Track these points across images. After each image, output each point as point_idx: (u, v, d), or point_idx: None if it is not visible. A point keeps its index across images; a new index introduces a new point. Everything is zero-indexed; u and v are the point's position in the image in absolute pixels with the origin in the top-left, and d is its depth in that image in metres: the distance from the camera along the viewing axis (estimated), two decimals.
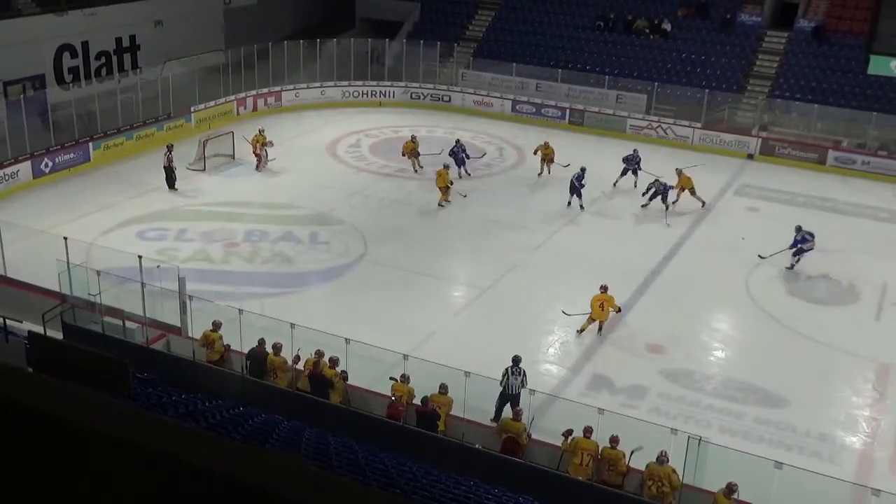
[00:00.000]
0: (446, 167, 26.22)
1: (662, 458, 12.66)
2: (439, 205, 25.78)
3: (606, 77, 36.25)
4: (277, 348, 15.23)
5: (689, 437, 12.42)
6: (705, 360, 18.22)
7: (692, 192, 26.16)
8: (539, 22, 39.94)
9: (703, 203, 26.38)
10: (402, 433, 13.73)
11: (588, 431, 13.33)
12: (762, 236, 24.10)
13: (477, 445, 13.51)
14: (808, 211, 27.28)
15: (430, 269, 21.77)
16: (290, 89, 36.28)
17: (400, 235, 23.55)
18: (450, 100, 37.87)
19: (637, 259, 22.46)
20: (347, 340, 14.95)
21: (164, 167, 26.16)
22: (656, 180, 26.03)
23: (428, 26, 41.07)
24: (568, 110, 35.94)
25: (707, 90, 34.61)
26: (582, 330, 18.50)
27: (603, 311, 18.26)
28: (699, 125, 33.99)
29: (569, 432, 13.37)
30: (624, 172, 27.81)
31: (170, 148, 26.41)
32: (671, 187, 25.75)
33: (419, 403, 14.15)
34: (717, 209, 26.82)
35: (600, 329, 18.59)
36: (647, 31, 38.33)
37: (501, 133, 34.16)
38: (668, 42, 37.87)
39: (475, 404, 14.60)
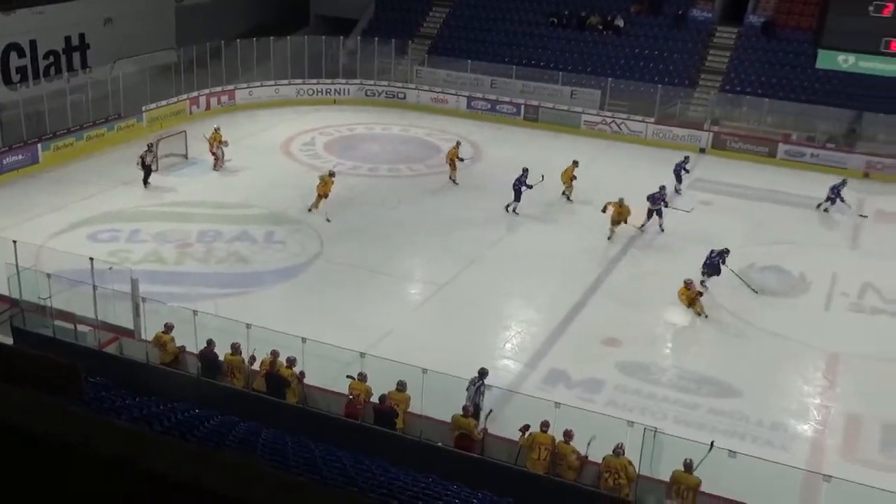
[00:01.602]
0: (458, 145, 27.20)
1: (619, 451, 12.79)
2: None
3: (561, 73, 36.48)
4: (236, 348, 15.11)
5: (644, 428, 12.55)
6: (660, 353, 18.43)
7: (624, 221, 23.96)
8: (493, 19, 40.03)
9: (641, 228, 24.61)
10: (359, 431, 13.71)
11: (545, 426, 13.42)
12: (716, 229, 24.41)
13: (439, 443, 13.52)
14: (759, 203, 27.72)
15: (387, 267, 21.75)
16: (244, 88, 35.99)
17: (356, 233, 23.49)
18: (405, 97, 37.83)
19: (593, 253, 22.64)
20: (304, 340, 14.89)
21: (143, 164, 25.87)
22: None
23: (382, 23, 40.96)
24: (523, 106, 36.10)
25: (660, 85, 34.98)
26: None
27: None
28: (652, 120, 34.34)
29: (526, 427, 13.44)
30: (650, 214, 24.57)
31: (150, 146, 26.26)
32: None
33: (377, 401, 14.13)
34: (671, 203, 27.05)
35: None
36: (601, 27, 38.60)
37: (457, 130, 34.15)
38: (621, 38, 38.17)
39: (433, 401, 14.61)
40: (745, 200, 27.88)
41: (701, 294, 19.88)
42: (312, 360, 15.02)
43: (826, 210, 26.99)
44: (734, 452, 12.87)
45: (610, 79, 35.73)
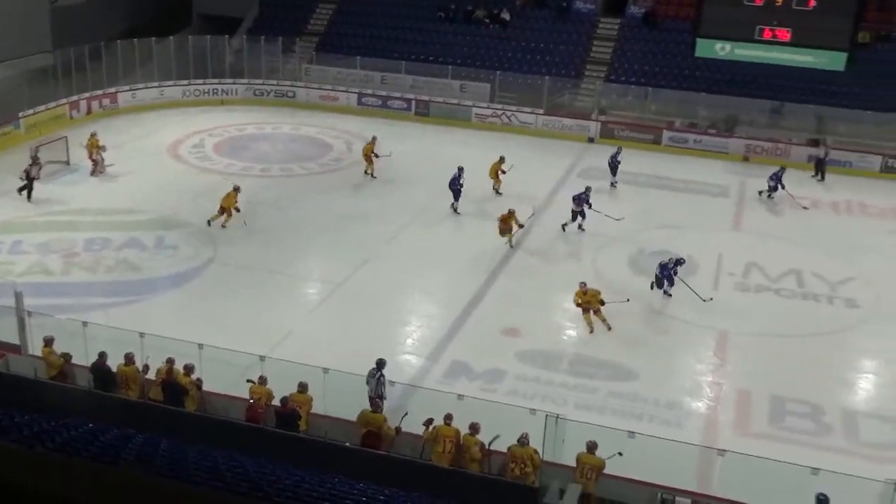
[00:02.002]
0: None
1: (524, 440, 12.94)
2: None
3: (450, 67, 36.70)
4: (129, 358, 14.68)
5: (546, 415, 12.74)
6: (558, 340, 18.74)
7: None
8: (381, 14, 39.93)
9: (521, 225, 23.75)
10: (262, 436, 13.51)
11: (448, 418, 13.48)
12: (607, 218, 24.97)
13: (346, 443, 13.44)
14: (646, 189, 28.49)
15: (284, 268, 21.50)
16: (127, 90, 34.95)
17: (250, 235, 23.11)
18: (294, 95, 37.43)
19: (489, 247, 22.83)
20: (200, 346, 14.61)
21: (28, 177, 24.67)
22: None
23: (268, 21, 40.39)
24: (414, 101, 36.17)
25: (547, 77, 35.57)
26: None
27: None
28: (541, 111, 34.89)
29: (429, 421, 13.49)
30: (574, 216, 24.37)
31: (35, 159, 25.10)
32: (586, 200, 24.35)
33: (279, 404, 13.96)
34: (562, 192, 27.56)
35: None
36: (487, 20, 38.97)
37: (348, 127, 34.04)
38: (508, 31, 38.63)
39: (336, 400, 14.53)
40: (633, 187, 28.58)
41: (592, 307, 18.86)
42: (211, 366, 14.74)
43: (770, 197, 27.89)
44: (633, 433, 13.21)
45: (498, 72, 36.18)
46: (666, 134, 33.57)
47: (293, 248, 22.66)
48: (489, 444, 13.19)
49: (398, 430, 13.90)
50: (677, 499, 12.55)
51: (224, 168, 28.67)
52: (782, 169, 28.15)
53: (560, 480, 12.88)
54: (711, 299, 19.96)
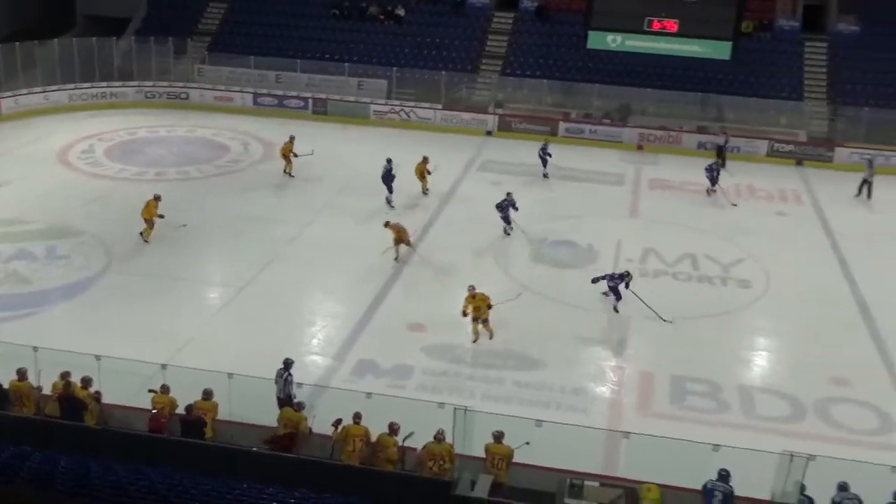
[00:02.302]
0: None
1: (440, 437, 12.96)
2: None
3: (346, 65, 36.54)
4: (22, 374, 14.15)
5: (454, 408, 12.80)
6: (464, 333, 18.77)
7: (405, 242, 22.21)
8: (274, 13, 39.41)
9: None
10: (168, 446, 13.22)
11: (357, 417, 13.43)
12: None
13: (254, 448, 13.25)
14: (546, 180, 28.87)
15: (183, 273, 21.05)
16: (9, 96, 33.61)
17: (148, 241, 22.53)
18: (188, 97, 36.66)
19: (391, 242, 22.78)
20: (98, 357, 14.19)
21: None
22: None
23: (157, 22, 39.38)
24: (311, 100, 35.86)
25: (444, 72, 35.73)
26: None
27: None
28: (440, 106, 35.05)
29: (338, 421, 13.42)
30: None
31: None
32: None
33: (183, 412, 13.68)
34: (462, 185, 27.74)
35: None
36: (382, 17, 38.87)
37: (245, 128, 33.54)
38: (403, 27, 38.62)
39: (243, 405, 14.32)
40: (532, 178, 28.96)
41: (481, 317, 18.18)
42: (110, 378, 14.33)
43: (716, 191, 27.80)
44: (540, 421, 13.39)
45: (395, 68, 36.18)
46: (562, 125, 34.12)
47: (192, 253, 22.21)
48: (403, 441, 13.20)
49: (310, 430, 13.83)
50: (586, 483, 12.75)
51: (116, 174, 27.90)
52: (716, 162, 28.41)
53: (471, 472, 12.96)
54: (672, 321, 19.23)
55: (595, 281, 19.93)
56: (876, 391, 17.04)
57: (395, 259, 21.73)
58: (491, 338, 18.24)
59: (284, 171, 28.10)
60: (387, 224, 21.88)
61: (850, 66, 35.61)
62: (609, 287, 19.70)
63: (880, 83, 34.62)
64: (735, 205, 27.33)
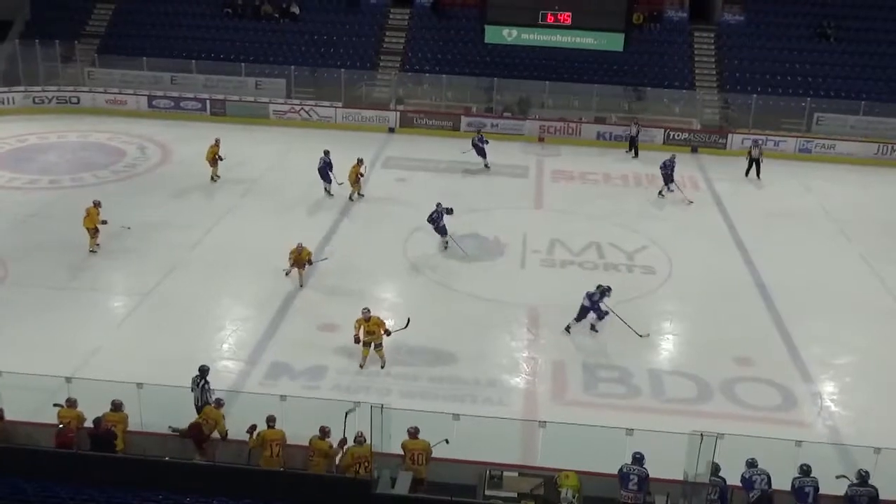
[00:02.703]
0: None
1: (361, 439, 12.78)
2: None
3: (243, 64, 36.00)
4: None
5: (371, 406, 12.76)
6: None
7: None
8: (164, 12, 38.51)
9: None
10: (77, 460, 12.83)
11: (271, 421, 13.26)
12: (413, 204, 25.31)
13: (167, 458, 12.96)
14: (451, 175, 29.05)
15: (83, 283, 20.40)
16: None
17: (43, 251, 21.75)
18: (79, 101, 35.52)
19: (301, 241, 22.55)
20: None
21: None
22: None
23: (42, 24, 37.93)
24: (208, 101, 35.20)
25: (343, 70, 35.51)
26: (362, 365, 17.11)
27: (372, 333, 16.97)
28: (340, 104, 34.84)
29: (253, 427, 13.24)
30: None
31: None
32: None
33: (91, 426, 13.28)
34: (367, 184, 27.61)
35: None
36: (276, 15, 38.38)
37: (141, 131, 32.69)
38: (299, 25, 38.22)
39: (154, 415, 13.99)
40: (437, 173, 29.10)
41: (375, 342, 17.02)
42: (11, 394, 13.82)
43: (671, 191, 27.53)
44: (458, 415, 13.47)
45: (293, 66, 35.78)
46: (464, 119, 34.33)
47: (93, 262, 21.50)
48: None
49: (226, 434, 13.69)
50: (504, 473, 12.92)
51: (7, 182, 26.84)
52: (673, 157, 28.09)
53: (390, 469, 12.98)
54: (648, 335, 18.68)
55: (578, 319, 18.70)
56: (777, 369, 17.69)
57: (287, 275, 20.71)
58: (383, 366, 17.07)
59: (212, 178, 27.40)
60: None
61: (737, 55, 36.85)
62: (592, 308, 18.57)
63: (767, 71, 35.91)
64: (691, 202, 27.26)
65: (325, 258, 21.37)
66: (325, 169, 26.08)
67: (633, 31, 34.38)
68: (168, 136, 31.94)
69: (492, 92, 35.38)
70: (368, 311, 17.13)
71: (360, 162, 26.53)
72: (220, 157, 27.45)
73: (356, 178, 26.26)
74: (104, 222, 21.81)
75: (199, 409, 14.31)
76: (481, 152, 29.51)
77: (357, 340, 17.01)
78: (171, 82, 35.97)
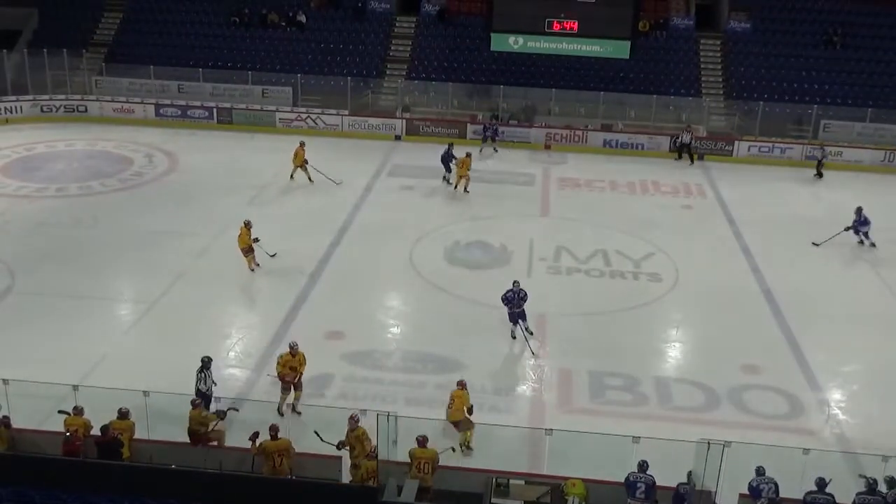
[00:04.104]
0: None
1: (373, 454, 12.87)
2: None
3: (250, 73, 36.11)
4: None
5: (378, 414, 12.75)
6: (383, 338, 18.79)
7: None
8: (171, 22, 38.68)
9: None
10: (83, 468, 12.85)
11: (274, 430, 13.22)
12: (420, 212, 25.37)
13: (173, 465, 12.96)
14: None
15: (92, 291, 20.42)
16: None
17: (51, 260, 21.82)
18: (86, 110, 35.67)
19: (305, 250, 22.63)
20: (5, 381, 13.66)
21: None
22: None
23: (50, 34, 38.12)
24: (215, 109, 35.30)
25: (349, 77, 35.59)
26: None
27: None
28: (346, 112, 34.92)
29: (255, 435, 13.21)
30: None
31: None
32: None
33: (98, 434, 13.30)
34: (374, 191, 27.69)
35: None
36: (283, 23, 38.51)
37: (148, 140, 32.80)
38: (305, 33, 38.33)
39: (161, 423, 14.00)
40: (443, 181, 29.06)
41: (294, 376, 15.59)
42: (19, 402, 13.82)
43: (870, 244, 24.33)
44: None
45: (300, 75, 35.87)
46: (470, 127, 34.34)
47: (99, 270, 21.58)
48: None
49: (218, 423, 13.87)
50: (511, 481, 12.87)
51: (14, 191, 26.93)
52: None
53: (397, 477, 12.95)
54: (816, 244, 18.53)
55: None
56: (784, 376, 17.62)
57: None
58: (296, 410, 15.64)
59: (310, 179, 27.90)
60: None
61: (743, 63, 36.83)
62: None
63: (773, 78, 35.89)
64: (816, 244, 24.25)
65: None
66: (447, 159, 28.09)
67: (639, 39, 34.41)
68: (175, 145, 32.04)
69: (497, 99, 35.41)
70: (296, 345, 15.78)
71: (468, 156, 27.99)
72: (307, 160, 27.88)
73: (466, 171, 27.69)
74: (256, 240, 21.27)
75: (200, 395, 14.69)
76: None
77: (278, 374, 15.60)
78: (179, 91, 36.09)
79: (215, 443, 13.88)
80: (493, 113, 32.38)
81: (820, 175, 31.15)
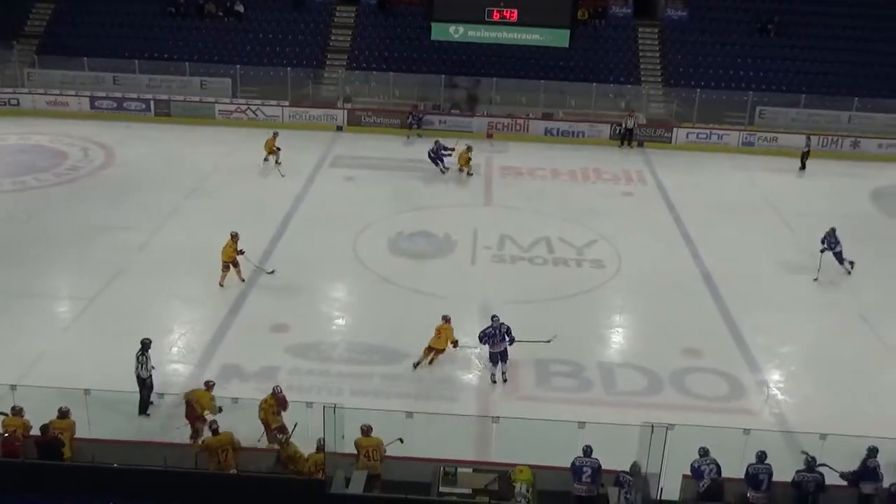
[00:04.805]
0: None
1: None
2: None
3: (187, 64, 35.56)
4: None
5: (324, 406, 12.69)
6: (328, 330, 18.71)
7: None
8: (106, 12, 37.78)
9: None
10: (23, 469, 12.59)
11: (214, 425, 13.07)
12: (363, 203, 25.31)
13: (115, 464, 12.76)
14: (398, 173, 29.02)
15: (28, 288, 19.95)
16: None
17: None
18: (18, 103, 34.81)
19: (247, 243, 22.22)
20: None
21: None
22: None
23: None
24: (152, 101, 34.72)
25: (289, 68, 35.24)
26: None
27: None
28: (287, 103, 34.61)
29: (196, 433, 13.08)
30: None
31: None
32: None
33: (38, 434, 13.02)
34: (316, 182, 27.50)
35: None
36: (221, 14, 37.97)
37: (83, 133, 32.12)
38: (244, 23, 37.85)
39: (102, 421, 13.78)
40: (385, 171, 29.06)
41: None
42: None
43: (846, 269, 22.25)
44: (410, 413, 13.48)
45: (239, 66, 35.44)
46: (412, 117, 34.24)
47: (35, 267, 21.10)
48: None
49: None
50: (459, 470, 12.93)
51: None
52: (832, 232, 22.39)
53: (344, 469, 12.93)
54: (555, 336, 17.62)
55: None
56: (724, 359, 17.96)
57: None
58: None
59: (276, 162, 28.55)
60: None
61: (680, 50, 37.32)
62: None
63: (710, 65, 36.43)
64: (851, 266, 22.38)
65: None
66: (438, 154, 28.56)
67: (578, 27, 34.65)
68: (111, 138, 31.44)
69: (439, 89, 35.37)
70: (212, 382, 14.68)
71: (469, 148, 28.83)
72: (276, 147, 28.37)
73: (467, 161, 28.51)
74: (241, 252, 20.12)
75: (139, 381, 14.89)
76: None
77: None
78: (114, 83, 35.41)
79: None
80: (415, 103, 32.75)
81: (804, 167, 31.43)
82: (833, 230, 22.12)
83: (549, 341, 17.44)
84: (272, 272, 20.76)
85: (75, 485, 12.27)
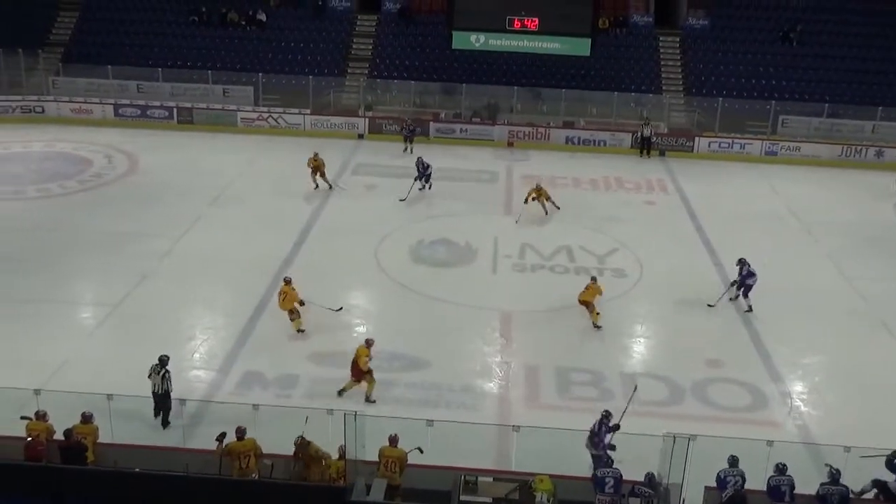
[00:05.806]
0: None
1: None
2: None
3: (210, 72, 35.80)
4: None
5: (345, 413, 12.71)
6: (349, 338, 18.66)
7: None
8: (129, 21, 38.20)
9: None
10: (47, 474, 12.68)
11: (240, 432, 13.11)
12: (383, 211, 25.35)
13: (137, 469, 12.83)
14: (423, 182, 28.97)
15: (53, 295, 20.10)
16: None
17: (8, 264, 21.45)
18: (43, 110, 35.16)
19: (268, 251, 22.49)
20: None
21: None
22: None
23: (5, 33, 37.28)
24: (175, 109, 34.96)
25: (311, 76, 35.41)
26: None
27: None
28: (308, 111, 34.75)
29: (222, 436, 13.10)
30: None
31: None
32: None
33: (62, 438, 13.12)
34: (336, 189, 27.59)
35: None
36: (243, 22, 38.24)
37: (107, 140, 32.40)
38: (266, 32, 38.11)
39: (124, 426, 13.86)
40: (406, 180, 28.97)
41: None
42: None
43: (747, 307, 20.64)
44: (431, 421, 13.45)
45: (261, 74, 35.64)
46: (433, 126, 34.37)
47: (60, 273, 21.27)
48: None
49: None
50: (479, 479, 12.89)
51: None
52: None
53: (365, 477, 12.93)
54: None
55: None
56: (747, 370, 17.85)
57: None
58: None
59: (331, 187, 27.62)
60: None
61: (702, 59, 37.22)
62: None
63: (732, 74, 36.31)
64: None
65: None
66: (423, 170, 27.25)
67: (599, 36, 34.66)
68: (135, 145, 31.69)
69: (460, 98, 35.44)
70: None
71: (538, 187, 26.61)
72: (318, 164, 27.44)
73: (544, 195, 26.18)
74: (301, 303, 18.59)
75: (155, 398, 14.84)
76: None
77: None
78: (138, 90, 35.71)
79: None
80: (404, 118, 32.64)
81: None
82: (743, 260, 20.61)
83: (339, 310, 18.85)
84: (339, 310, 19.26)
85: (98, 489, 12.34)
